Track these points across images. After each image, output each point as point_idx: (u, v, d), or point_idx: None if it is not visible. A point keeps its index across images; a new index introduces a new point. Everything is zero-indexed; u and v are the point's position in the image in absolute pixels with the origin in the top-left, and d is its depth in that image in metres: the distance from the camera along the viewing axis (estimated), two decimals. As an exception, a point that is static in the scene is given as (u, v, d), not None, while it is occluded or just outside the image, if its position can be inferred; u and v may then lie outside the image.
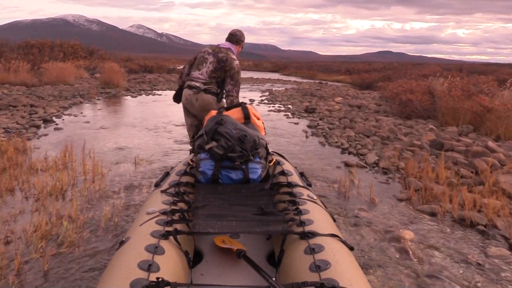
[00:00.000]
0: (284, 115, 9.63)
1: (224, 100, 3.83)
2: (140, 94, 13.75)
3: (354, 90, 17.46)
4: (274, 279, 1.27)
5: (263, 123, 2.90)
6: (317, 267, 1.28)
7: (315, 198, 1.95)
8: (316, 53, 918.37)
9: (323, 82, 24.48)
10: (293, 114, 9.77)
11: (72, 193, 3.71)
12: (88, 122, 7.76)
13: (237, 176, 2.14)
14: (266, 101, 12.48)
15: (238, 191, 2.04)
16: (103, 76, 15.29)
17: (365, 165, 5.09)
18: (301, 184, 2.11)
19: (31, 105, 9.27)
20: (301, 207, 1.75)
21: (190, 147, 3.94)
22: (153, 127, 7.42)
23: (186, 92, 3.79)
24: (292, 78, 28.96)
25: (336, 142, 6.33)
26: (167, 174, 2.29)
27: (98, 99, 11.89)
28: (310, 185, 2.21)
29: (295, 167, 2.51)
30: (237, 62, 3.71)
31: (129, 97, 13.02)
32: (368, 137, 6.62)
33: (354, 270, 1.32)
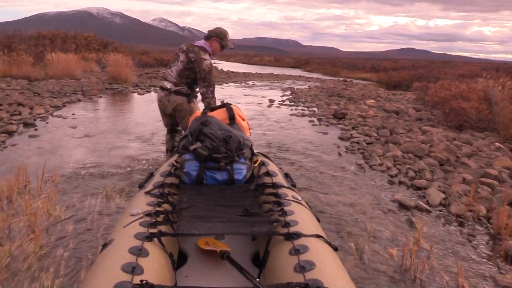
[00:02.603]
0: (309, 121, 8.16)
1: (195, 101, 3.80)
2: (149, 91, 12.43)
3: (384, 90, 15.82)
4: (258, 280, 1.26)
5: (248, 123, 2.85)
6: (302, 268, 1.25)
7: (299, 199, 1.89)
8: (338, 49, 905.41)
9: (348, 80, 22.88)
10: (319, 120, 8.30)
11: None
12: (74, 127, 6.46)
13: (222, 177, 2.09)
14: (287, 103, 11.00)
15: (223, 192, 1.98)
16: (110, 70, 14.04)
17: (428, 207, 3.62)
18: (286, 185, 2.05)
19: (19, 104, 8.06)
20: (285, 208, 1.70)
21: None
22: (149, 136, 6.05)
23: (158, 93, 3.84)
24: (315, 75, 27.27)
25: (380, 165, 4.86)
26: (151, 175, 2.21)
27: (100, 97, 10.64)
28: (294, 186, 2.14)
29: (280, 168, 2.44)
30: (207, 62, 3.55)
31: (136, 94, 11.75)
32: (420, 158, 5.12)
33: (339, 271, 1.27)
